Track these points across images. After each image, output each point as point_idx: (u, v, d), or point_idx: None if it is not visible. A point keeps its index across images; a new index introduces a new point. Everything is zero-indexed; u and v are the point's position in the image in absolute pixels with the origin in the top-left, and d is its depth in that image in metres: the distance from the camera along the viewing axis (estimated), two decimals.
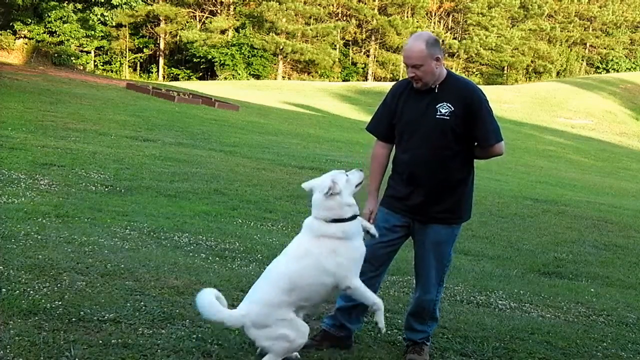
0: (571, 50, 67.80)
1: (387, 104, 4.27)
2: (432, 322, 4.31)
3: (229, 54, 51.95)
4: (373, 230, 4.05)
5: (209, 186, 9.73)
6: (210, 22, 54.05)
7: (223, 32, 54.60)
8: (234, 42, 53.13)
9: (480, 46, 60.51)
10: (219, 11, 56.88)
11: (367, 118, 4.67)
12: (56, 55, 34.11)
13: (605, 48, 68.73)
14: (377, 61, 60.32)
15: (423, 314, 4.26)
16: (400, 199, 4.15)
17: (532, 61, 63.57)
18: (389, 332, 4.50)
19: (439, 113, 4.02)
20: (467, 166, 4.19)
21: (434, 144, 4.04)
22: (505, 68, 63.91)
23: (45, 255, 5.03)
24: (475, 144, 4.15)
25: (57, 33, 34.40)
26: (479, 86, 4.45)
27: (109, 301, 4.29)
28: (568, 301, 6.17)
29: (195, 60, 53.11)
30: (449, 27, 65.72)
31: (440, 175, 4.07)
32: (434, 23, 65.05)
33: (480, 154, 4.19)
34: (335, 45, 58.51)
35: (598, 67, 67.63)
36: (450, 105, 4.01)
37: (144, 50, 56.07)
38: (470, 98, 4.06)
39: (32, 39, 33.47)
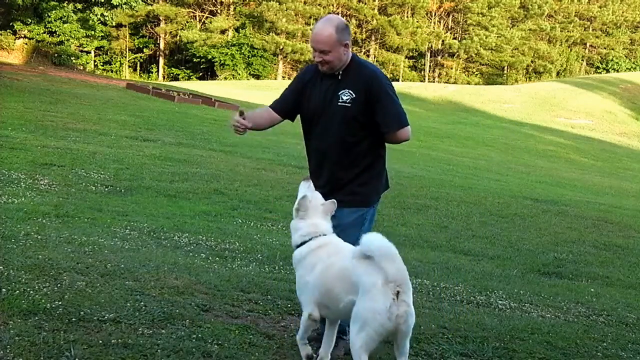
0: (571, 50, 67.84)
1: (292, 86, 4.25)
2: None
3: (229, 54, 52.00)
4: None
5: (209, 186, 9.73)
6: (210, 22, 54.14)
7: (223, 32, 54.67)
8: (234, 42, 53.19)
9: (480, 46, 60.56)
10: (219, 11, 56.93)
11: None
12: (56, 55, 34.07)
13: (605, 48, 68.75)
14: (377, 61, 60.28)
15: None
16: (316, 186, 4.07)
17: (532, 61, 63.63)
18: None
19: (340, 100, 3.98)
20: (375, 151, 4.12)
21: (337, 131, 4.01)
22: (505, 68, 63.95)
23: (45, 255, 5.02)
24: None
25: (57, 33, 34.34)
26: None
27: (109, 301, 4.28)
28: (568, 301, 6.17)
29: (195, 60, 53.18)
30: (449, 27, 65.74)
31: (345, 161, 4.04)
32: (434, 23, 65.09)
33: (387, 139, 4.12)
34: None
35: (598, 67, 67.62)
36: (351, 92, 3.97)
37: (144, 50, 56.14)
38: (371, 84, 3.98)
39: (32, 39, 33.41)
